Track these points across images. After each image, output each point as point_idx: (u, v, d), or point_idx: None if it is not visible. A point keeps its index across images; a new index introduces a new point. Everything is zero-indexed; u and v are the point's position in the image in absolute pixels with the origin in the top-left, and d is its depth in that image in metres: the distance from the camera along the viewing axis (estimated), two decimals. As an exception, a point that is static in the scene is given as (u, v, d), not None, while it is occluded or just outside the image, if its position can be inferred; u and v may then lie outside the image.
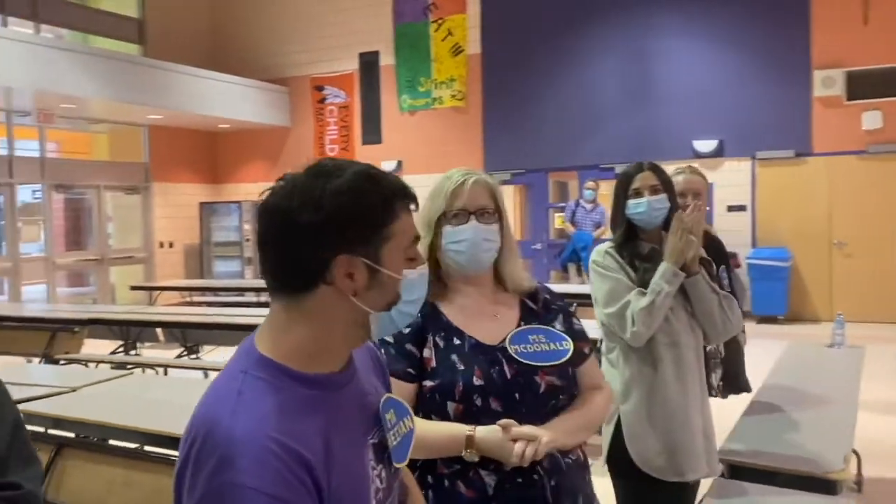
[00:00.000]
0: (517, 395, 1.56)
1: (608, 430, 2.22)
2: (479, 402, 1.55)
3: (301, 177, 1.04)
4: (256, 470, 0.92)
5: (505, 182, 11.15)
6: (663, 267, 2.15)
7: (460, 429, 1.54)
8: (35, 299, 10.48)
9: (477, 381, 1.56)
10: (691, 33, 9.84)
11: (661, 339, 2.18)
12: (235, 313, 6.69)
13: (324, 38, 12.17)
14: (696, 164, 9.83)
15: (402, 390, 1.60)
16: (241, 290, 10.37)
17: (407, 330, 1.61)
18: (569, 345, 1.64)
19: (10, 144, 10.44)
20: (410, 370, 1.62)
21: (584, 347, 1.71)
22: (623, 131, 10.19)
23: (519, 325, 1.65)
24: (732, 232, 9.68)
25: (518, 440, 1.49)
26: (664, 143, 9.88)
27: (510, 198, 11.65)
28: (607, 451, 2.25)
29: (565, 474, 1.57)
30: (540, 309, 1.71)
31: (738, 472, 2.41)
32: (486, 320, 1.65)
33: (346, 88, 12.07)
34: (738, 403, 3.09)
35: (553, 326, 1.68)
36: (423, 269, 1.12)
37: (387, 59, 11.76)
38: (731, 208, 9.74)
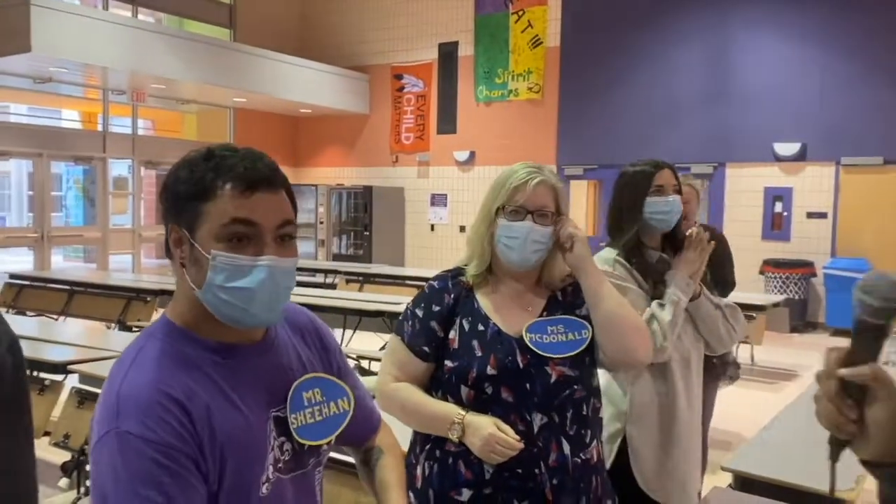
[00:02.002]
0: (528, 384, 1.59)
1: (610, 449, 2.10)
2: (489, 390, 1.59)
3: (192, 153, 1.12)
4: (140, 418, 0.99)
5: (577, 177, 11.05)
6: (678, 276, 2.06)
7: (453, 410, 1.60)
8: (121, 269, 11.10)
9: (490, 371, 1.59)
10: (776, 27, 9.45)
11: (673, 356, 2.08)
12: (305, 293, 6.91)
13: (405, 28, 12.32)
14: (776, 167, 9.51)
15: (414, 366, 1.67)
16: (313, 271, 10.65)
17: (437, 308, 1.67)
18: (588, 333, 1.65)
19: (104, 121, 11.07)
20: (426, 348, 1.66)
21: None
22: (701, 130, 9.92)
23: (541, 315, 1.67)
24: (811, 240, 9.31)
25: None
26: (743, 143, 9.56)
27: (582, 193, 11.54)
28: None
29: (570, 474, 1.60)
30: (567, 297, 1.71)
31: (747, 484, 2.36)
32: (516, 310, 1.68)
33: (424, 77, 12.20)
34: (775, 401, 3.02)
35: (576, 313, 1.68)
36: (248, 261, 1.06)
37: (466, 50, 11.81)
38: (810, 215, 9.34)
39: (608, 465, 2.05)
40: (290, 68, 11.49)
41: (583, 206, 11.62)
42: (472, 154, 11.71)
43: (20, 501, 0.76)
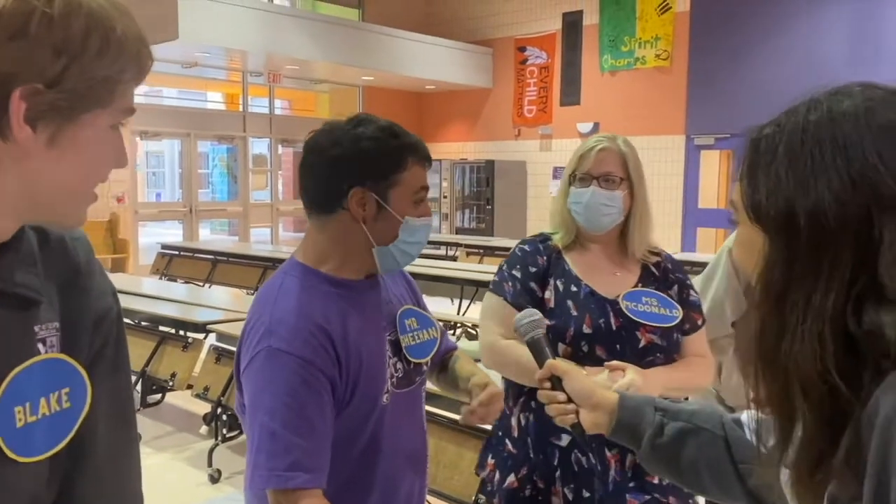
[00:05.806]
0: (618, 346, 1.69)
1: None
2: (585, 348, 1.69)
3: (340, 123, 1.32)
4: (289, 338, 1.22)
5: (708, 147, 10.62)
6: None
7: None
8: (261, 241, 11.85)
9: (586, 329, 1.69)
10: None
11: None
12: (426, 264, 7.13)
13: (529, -2, 12.22)
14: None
15: None
16: (437, 244, 10.91)
17: (533, 269, 1.77)
18: (678, 313, 1.74)
19: (244, 102, 11.78)
20: (529, 307, 1.73)
21: (698, 319, 1.80)
22: (845, 94, 9.22)
23: (636, 286, 1.77)
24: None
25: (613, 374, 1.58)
26: None
27: (714, 163, 11.07)
28: None
29: None
30: (660, 275, 1.81)
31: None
32: (604, 275, 1.77)
33: (547, 49, 12.07)
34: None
35: (668, 293, 1.78)
36: (426, 221, 1.36)
37: (590, 19, 11.57)
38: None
39: None
40: (416, 45, 11.72)
41: (714, 177, 11.15)
42: (596, 125, 11.50)
43: (131, 422, 0.87)
